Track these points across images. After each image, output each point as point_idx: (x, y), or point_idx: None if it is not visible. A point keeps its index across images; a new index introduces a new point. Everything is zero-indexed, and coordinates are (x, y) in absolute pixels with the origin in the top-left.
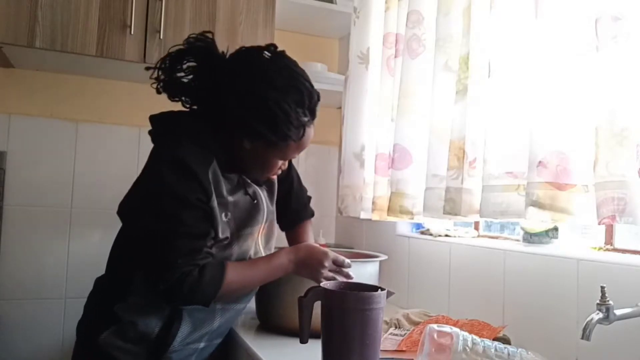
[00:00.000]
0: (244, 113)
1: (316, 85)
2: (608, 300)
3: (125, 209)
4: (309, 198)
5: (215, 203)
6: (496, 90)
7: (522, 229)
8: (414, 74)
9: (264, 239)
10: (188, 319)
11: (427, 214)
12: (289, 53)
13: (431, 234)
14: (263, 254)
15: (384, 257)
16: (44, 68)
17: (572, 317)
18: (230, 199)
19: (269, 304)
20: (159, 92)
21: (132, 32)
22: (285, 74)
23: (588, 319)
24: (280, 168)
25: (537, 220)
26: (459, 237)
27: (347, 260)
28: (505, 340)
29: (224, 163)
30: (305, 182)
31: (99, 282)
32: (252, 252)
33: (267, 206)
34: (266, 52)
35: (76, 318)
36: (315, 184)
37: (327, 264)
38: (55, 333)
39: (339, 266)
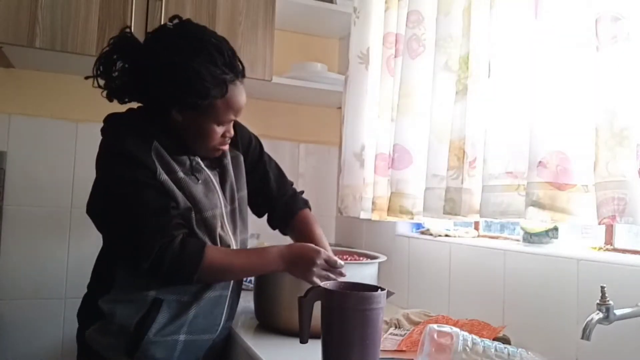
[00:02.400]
0: (161, 86)
1: (316, 85)
2: (608, 300)
3: (90, 207)
4: (295, 190)
5: (164, 176)
6: (496, 90)
7: (522, 229)
8: (414, 74)
9: (231, 226)
10: (166, 309)
11: (427, 214)
12: (289, 53)
13: (431, 234)
14: (233, 241)
15: (383, 258)
16: (44, 68)
17: (572, 317)
18: (181, 175)
19: (268, 304)
20: (110, 100)
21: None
22: (189, 37)
23: (588, 319)
24: (224, 136)
25: (537, 220)
26: (459, 237)
27: (340, 262)
28: (505, 340)
29: (169, 146)
30: (305, 182)
31: (88, 286)
32: (219, 238)
33: (219, 190)
34: (169, 24)
35: (76, 318)
36: (315, 184)
37: (319, 262)
38: (55, 333)
39: (331, 267)
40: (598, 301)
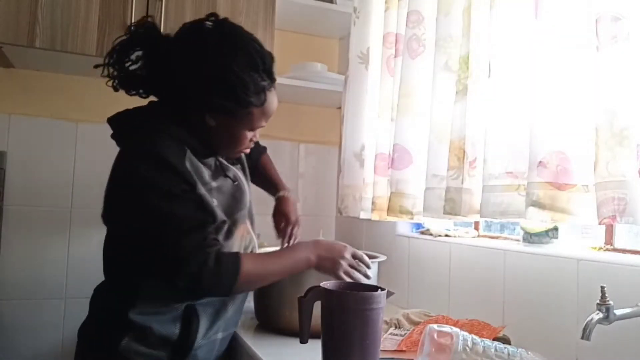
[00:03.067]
0: (199, 88)
1: (316, 85)
2: (608, 300)
3: (110, 215)
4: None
5: (202, 190)
6: (496, 90)
7: (522, 229)
8: (414, 74)
9: (250, 222)
10: (203, 314)
11: (427, 214)
12: (289, 53)
13: (431, 234)
14: (254, 238)
15: (382, 258)
16: (44, 68)
17: (572, 317)
18: (214, 184)
19: (268, 304)
20: (116, 90)
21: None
22: (231, 39)
23: (588, 319)
24: (251, 140)
25: (537, 220)
26: (459, 237)
27: (367, 258)
28: (505, 340)
29: (197, 149)
30: (305, 182)
31: (99, 290)
32: (247, 240)
33: (247, 186)
34: (207, 22)
35: (76, 318)
36: (315, 184)
37: (348, 256)
38: (55, 333)
39: (358, 260)
40: (598, 301)
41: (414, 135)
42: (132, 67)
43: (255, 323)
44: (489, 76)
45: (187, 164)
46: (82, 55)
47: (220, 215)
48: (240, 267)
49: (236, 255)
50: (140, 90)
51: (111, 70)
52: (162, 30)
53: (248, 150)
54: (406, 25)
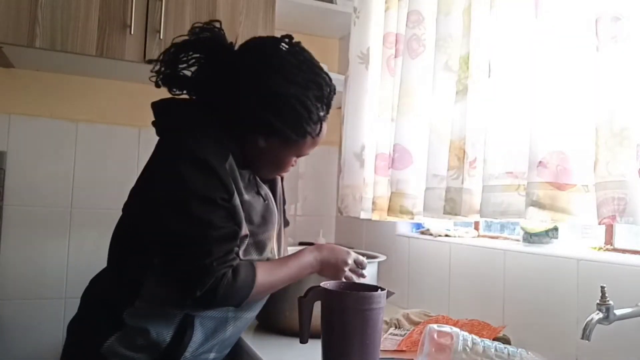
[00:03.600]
0: (264, 111)
1: None
2: (608, 300)
3: (136, 209)
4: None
5: (237, 201)
6: (496, 90)
7: (522, 229)
8: (414, 74)
9: (277, 244)
10: (200, 327)
11: (427, 214)
12: None
13: (431, 234)
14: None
15: (382, 257)
16: (44, 68)
17: (572, 317)
18: (246, 197)
19: (269, 304)
20: (157, 86)
21: (132, 32)
22: (305, 68)
23: (588, 319)
24: (292, 165)
25: (537, 220)
26: (459, 237)
27: (366, 261)
28: (505, 340)
29: (238, 160)
30: (305, 182)
31: (97, 281)
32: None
33: (277, 208)
34: (283, 44)
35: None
36: (315, 184)
37: (350, 261)
38: (55, 333)
39: (357, 265)
40: (598, 301)
41: (414, 135)
42: (183, 67)
43: (255, 323)
44: (489, 76)
45: (227, 169)
46: (82, 55)
47: (245, 229)
48: (256, 279)
49: (252, 266)
50: (185, 92)
51: (161, 66)
52: (162, 31)
53: (286, 174)
54: (406, 25)
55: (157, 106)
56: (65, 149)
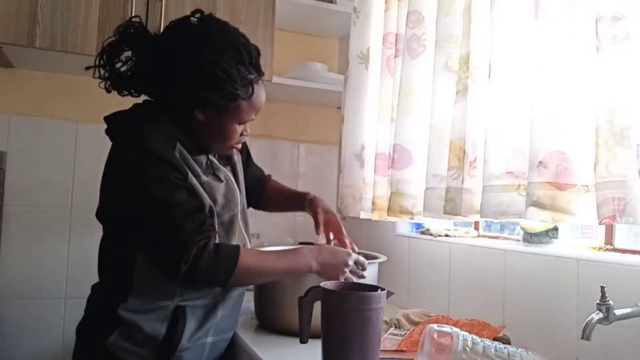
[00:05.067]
0: (186, 83)
1: (316, 85)
2: (608, 300)
3: (107, 212)
4: (262, 171)
5: (194, 180)
6: (496, 90)
7: (522, 229)
8: (414, 74)
9: (243, 223)
10: (192, 316)
11: (427, 214)
12: (289, 53)
13: (431, 234)
14: (247, 240)
15: (383, 258)
16: (44, 68)
17: (572, 317)
18: (204, 178)
19: (268, 304)
20: (108, 91)
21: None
22: (216, 33)
23: (588, 319)
24: (242, 135)
25: (538, 220)
26: (459, 237)
27: (366, 262)
28: (505, 340)
29: (188, 146)
30: (305, 182)
31: (96, 287)
32: (240, 242)
33: (237, 187)
34: (192, 18)
35: (76, 318)
36: (315, 184)
37: (351, 263)
38: (55, 333)
39: (358, 267)
40: (598, 301)
41: (414, 135)
42: (122, 68)
43: (255, 323)
44: (489, 76)
45: (177, 155)
46: (82, 55)
47: (210, 206)
48: (239, 257)
49: (236, 247)
50: (132, 91)
51: (102, 72)
52: (161, 30)
53: (240, 146)
54: (406, 25)
55: (107, 118)
56: (65, 149)
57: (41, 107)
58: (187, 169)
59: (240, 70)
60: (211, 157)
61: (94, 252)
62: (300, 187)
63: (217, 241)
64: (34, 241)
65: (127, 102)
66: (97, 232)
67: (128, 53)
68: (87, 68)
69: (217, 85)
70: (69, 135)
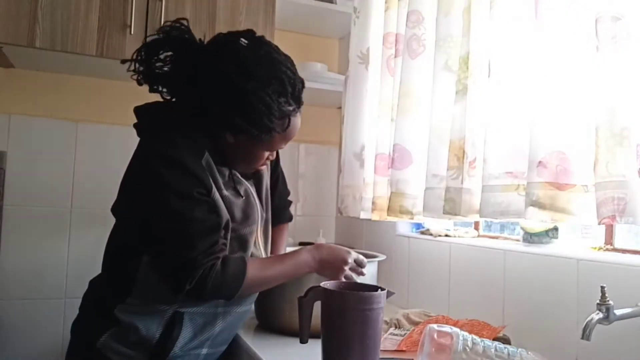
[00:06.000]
0: (223, 107)
1: (316, 85)
2: (608, 300)
3: (122, 209)
4: (290, 202)
5: (216, 195)
6: (496, 90)
7: (522, 229)
8: (414, 74)
9: (263, 239)
10: (189, 323)
11: (427, 214)
12: (289, 53)
13: (431, 234)
14: (263, 254)
15: (382, 257)
16: (44, 68)
17: (572, 317)
18: (225, 192)
19: (268, 304)
20: (139, 84)
21: (132, 32)
22: (264, 63)
23: (588, 319)
24: (268, 159)
25: (537, 220)
26: (459, 237)
27: (365, 261)
28: (505, 340)
29: (214, 157)
30: (305, 182)
31: (94, 282)
32: (250, 254)
33: (258, 203)
34: (243, 40)
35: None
36: (315, 184)
37: (350, 261)
38: (55, 333)
39: (358, 265)
40: (598, 301)
41: (414, 135)
42: (160, 65)
43: (255, 323)
44: (489, 76)
45: (204, 164)
46: (82, 55)
47: (228, 221)
48: (246, 273)
49: (242, 261)
50: (164, 90)
51: (137, 65)
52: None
53: (265, 168)
54: (406, 25)
55: (138, 110)
56: (65, 149)
57: (41, 107)
58: (212, 182)
59: (280, 103)
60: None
61: (94, 252)
62: (300, 187)
63: (224, 257)
64: (34, 241)
65: (127, 103)
66: (96, 232)
67: (168, 52)
68: (124, 61)
69: (255, 117)
70: (69, 135)
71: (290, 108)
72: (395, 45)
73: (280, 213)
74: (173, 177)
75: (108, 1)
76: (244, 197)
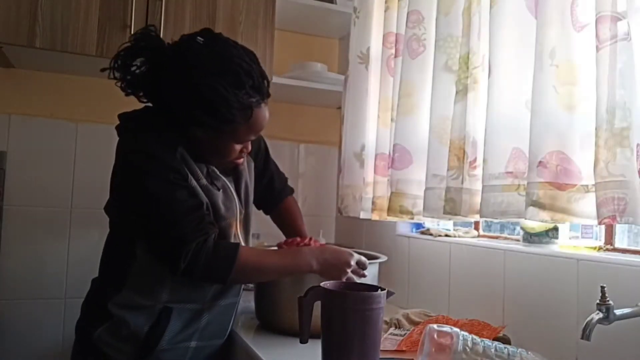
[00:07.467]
0: (184, 103)
1: (316, 85)
2: (608, 300)
3: (112, 207)
4: (287, 179)
5: (193, 182)
6: (496, 89)
7: (522, 229)
8: (414, 74)
9: (243, 234)
10: (177, 317)
11: (427, 214)
12: (289, 53)
13: (431, 234)
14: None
15: (383, 258)
16: (44, 68)
17: (572, 317)
18: (203, 182)
19: (269, 304)
20: (127, 94)
21: (132, 32)
22: (218, 58)
23: (588, 319)
24: (242, 152)
25: (537, 220)
26: (459, 237)
27: (367, 262)
28: (505, 340)
29: (189, 152)
30: (305, 182)
31: (94, 281)
32: None
33: (236, 197)
34: (199, 38)
35: (76, 318)
36: (315, 184)
37: (353, 263)
38: (55, 333)
39: (360, 267)
40: (598, 301)
41: (414, 135)
42: (133, 70)
43: (256, 323)
44: (488, 76)
45: (178, 157)
46: (82, 55)
47: (209, 208)
48: (238, 254)
49: (235, 244)
50: (140, 94)
51: (117, 74)
52: (162, 31)
53: (241, 161)
54: (406, 25)
55: (120, 115)
56: (65, 149)
57: (41, 107)
58: (188, 171)
59: (237, 94)
60: (211, 166)
61: (94, 252)
62: (300, 187)
63: (216, 238)
64: (34, 241)
65: (127, 104)
66: (96, 232)
67: (142, 58)
68: (103, 70)
69: (212, 110)
70: (69, 136)
71: (253, 100)
72: (396, 45)
73: (280, 190)
74: (151, 167)
75: (108, 1)
76: (221, 190)
